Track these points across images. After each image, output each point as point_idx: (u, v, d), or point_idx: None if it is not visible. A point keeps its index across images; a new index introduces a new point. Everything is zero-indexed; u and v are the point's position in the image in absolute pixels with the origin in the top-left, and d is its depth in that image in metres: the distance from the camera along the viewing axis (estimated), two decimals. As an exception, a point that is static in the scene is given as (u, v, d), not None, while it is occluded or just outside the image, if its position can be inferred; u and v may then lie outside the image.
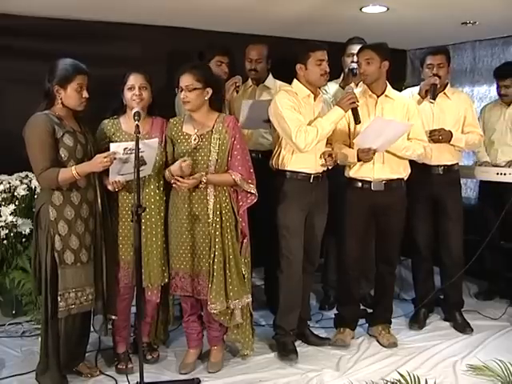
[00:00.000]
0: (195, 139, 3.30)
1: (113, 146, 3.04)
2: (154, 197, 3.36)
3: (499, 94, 4.55)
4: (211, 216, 3.28)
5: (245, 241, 3.40)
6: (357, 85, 4.05)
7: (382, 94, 3.68)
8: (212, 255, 3.29)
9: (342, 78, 4.40)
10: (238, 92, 4.09)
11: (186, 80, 3.21)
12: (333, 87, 4.37)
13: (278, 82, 4.33)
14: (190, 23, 4.63)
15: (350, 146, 3.69)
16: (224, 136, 3.28)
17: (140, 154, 2.97)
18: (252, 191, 3.33)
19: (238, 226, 3.36)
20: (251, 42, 4.35)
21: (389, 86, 3.71)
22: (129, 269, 3.35)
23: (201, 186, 3.25)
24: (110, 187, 3.19)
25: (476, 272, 4.63)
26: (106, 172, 3.11)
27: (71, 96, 3.07)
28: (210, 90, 3.24)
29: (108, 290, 3.25)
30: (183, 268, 3.36)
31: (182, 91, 3.22)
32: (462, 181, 4.29)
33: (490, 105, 4.71)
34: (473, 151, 4.78)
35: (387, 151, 3.63)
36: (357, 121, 3.53)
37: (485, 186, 4.68)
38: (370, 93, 3.68)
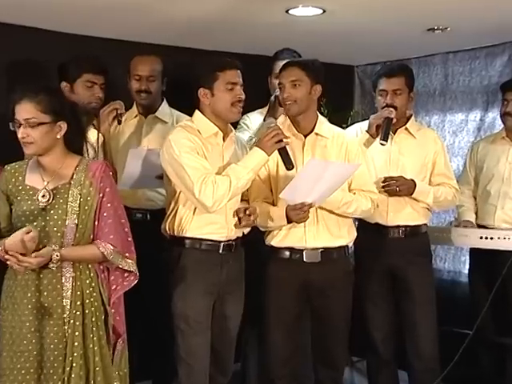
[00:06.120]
0: (44, 196, 3.22)
1: None
2: (-24, 280, 3.27)
3: (503, 115, 4.58)
4: (68, 309, 3.18)
5: (119, 343, 3.32)
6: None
7: (312, 131, 3.78)
8: (68, 368, 3.15)
9: (268, 107, 4.48)
10: (120, 122, 4.12)
11: (25, 111, 3.12)
12: (256, 120, 4.48)
13: (176, 113, 4.45)
14: (42, 22, 4.54)
15: (274, 203, 3.76)
16: (88, 191, 3.21)
17: None
18: (131, 269, 3.29)
19: (109, 321, 3.27)
20: (137, 51, 4.45)
21: (320, 118, 3.84)
22: None
23: (52, 265, 3.17)
24: None
25: (462, 379, 4.59)
26: None
27: None
28: (63, 125, 3.19)
29: None
30: (23, 389, 3.26)
31: (20, 127, 3.14)
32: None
33: (484, 141, 4.80)
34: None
35: (322, 208, 3.71)
36: (288, 165, 3.58)
37: (475, 256, 4.75)
38: (295, 131, 3.77)
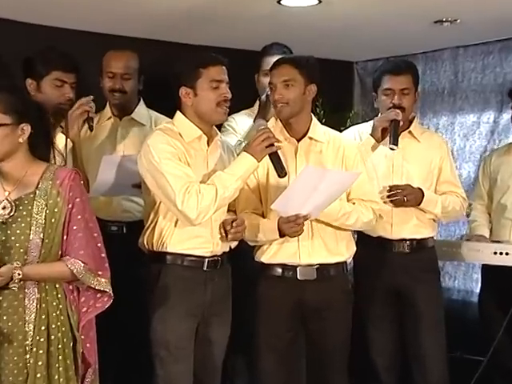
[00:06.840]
0: (5, 207, 3.18)
1: None
2: None
3: None
4: (30, 335, 3.09)
5: (89, 374, 3.24)
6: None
7: (305, 135, 3.77)
8: None
9: (258, 107, 4.46)
10: (91, 128, 4.09)
11: None
12: (243, 122, 4.49)
13: (155, 115, 4.45)
14: (3, 11, 4.52)
15: (264, 215, 3.75)
16: (55, 201, 3.16)
17: None
18: (104, 289, 3.25)
19: (78, 348, 3.19)
20: (111, 46, 4.46)
21: (314, 120, 3.83)
22: None
23: (13, 285, 3.13)
24: None
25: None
26: None
27: None
28: (27, 128, 3.14)
29: None
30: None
31: None
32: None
33: (497, 152, 4.83)
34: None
35: (318, 221, 3.69)
36: (281, 172, 3.55)
37: (488, 273, 4.72)
38: (287, 135, 3.76)
